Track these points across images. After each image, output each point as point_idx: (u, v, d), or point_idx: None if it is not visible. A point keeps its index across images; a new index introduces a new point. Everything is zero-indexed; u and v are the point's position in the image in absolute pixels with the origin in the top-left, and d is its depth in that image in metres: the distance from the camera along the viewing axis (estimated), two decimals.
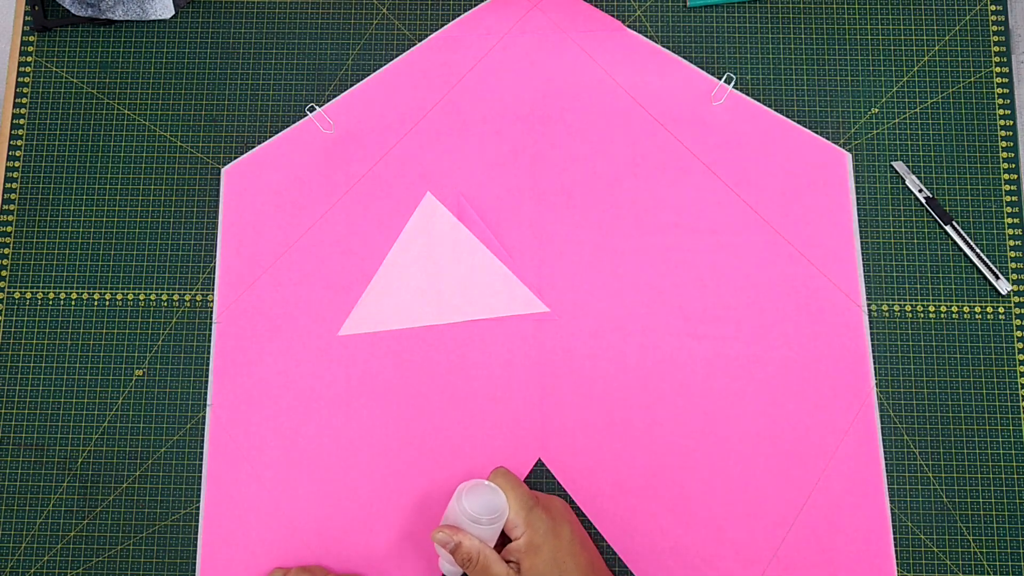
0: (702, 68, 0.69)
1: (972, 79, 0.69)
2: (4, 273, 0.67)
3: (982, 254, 0.66)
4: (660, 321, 0.65)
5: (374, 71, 0.70)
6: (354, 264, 0.67)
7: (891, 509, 0.63)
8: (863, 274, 0.66)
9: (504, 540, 0.58)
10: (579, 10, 0.70)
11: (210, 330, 0.66)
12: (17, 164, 0.69)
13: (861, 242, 0.67)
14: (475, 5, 0.71)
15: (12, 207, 0.68)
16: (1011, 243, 0.67)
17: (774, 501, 0.62)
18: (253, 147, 0.69)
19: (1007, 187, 0.68)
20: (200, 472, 0.64)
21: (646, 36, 0.70)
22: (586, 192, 0.67)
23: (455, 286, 0.66)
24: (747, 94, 0.69)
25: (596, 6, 0.71)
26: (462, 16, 0.71)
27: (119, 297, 0.67)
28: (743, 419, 0.64)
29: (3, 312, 0.67)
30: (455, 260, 0.66)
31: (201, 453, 0.64)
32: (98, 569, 0.63)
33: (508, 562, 0.56)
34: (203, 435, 0.65)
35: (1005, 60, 0.69)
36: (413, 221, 0.67)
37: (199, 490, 0.64)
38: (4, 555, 0.63)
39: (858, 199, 0.68)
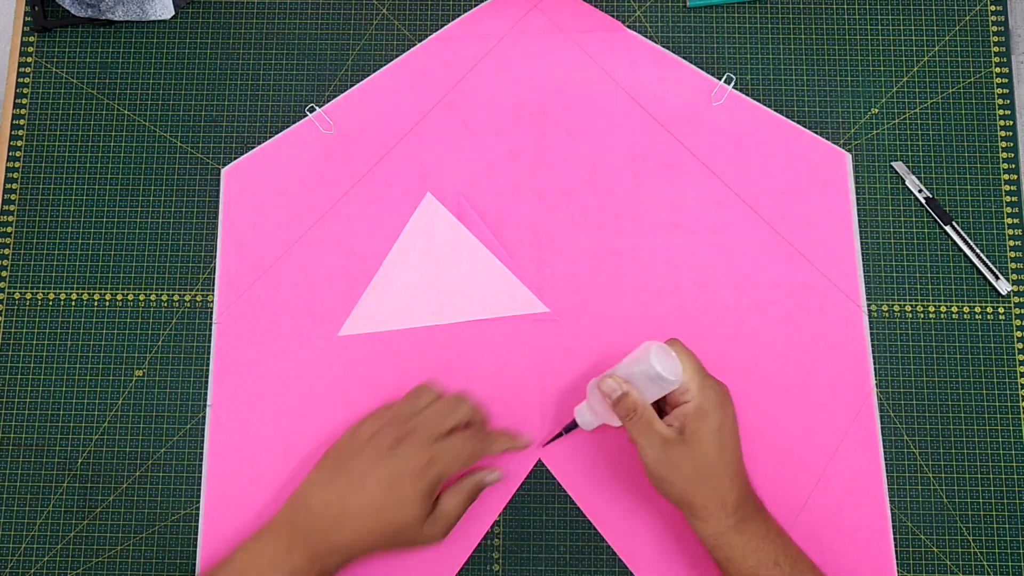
0: (702, 68, 0.69)
1: (972, 79, 0.69)
2: (4, 273, 0.67)
3: (982, 254, 0.66)
4: (660, 321, 0.65)
5: (374, 71, 0.70)
6: (354, 264, 0.67)
7: (891, 509, 0.63)
8: (863, 274, 0.66)
9: (659, 410, 0.57)
10: (579, 10, 0.70)
11: (210, 330, 0.66)
12: (17, 164, 0.69)
13: (861, 242, 0.67)
14: (475, 5, 0.71)
15: (12, 207, 0.68)
16: (1011, 243, 0.67)
17: (774, 501, 0.62)
18: (253, 147, 0.69)
19: (1007, 187, 0.68)
20: (200, 472, 0.64)
21: (646, 36, 0.70)
22: (586, 192, 0.67)
23: (455, 286, 0.66)
24: (747, 94, 0.69)
25: (596, 6, 0.71)
26: (462, 16, 0.71)
27: (119, 297, 0.67)
28: (743, 419, 0.64)
29: (3, 312, 0.67)
30: (455, 260, 0.66)
31: (201, 453, 0.64)
32: (98, 569, 0.63)
33: (668, 426, 0.56)
34: (203, 435, 0.65)
35: (1005, 60, 0.69)
36: (413, 221, 0.67)
37: (199, 490, 0.64)
38: (4, 555, 0.63)
39: (858, 199, 0.68)
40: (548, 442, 0.62)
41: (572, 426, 0.61)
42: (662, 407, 0.58)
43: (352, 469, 0.57)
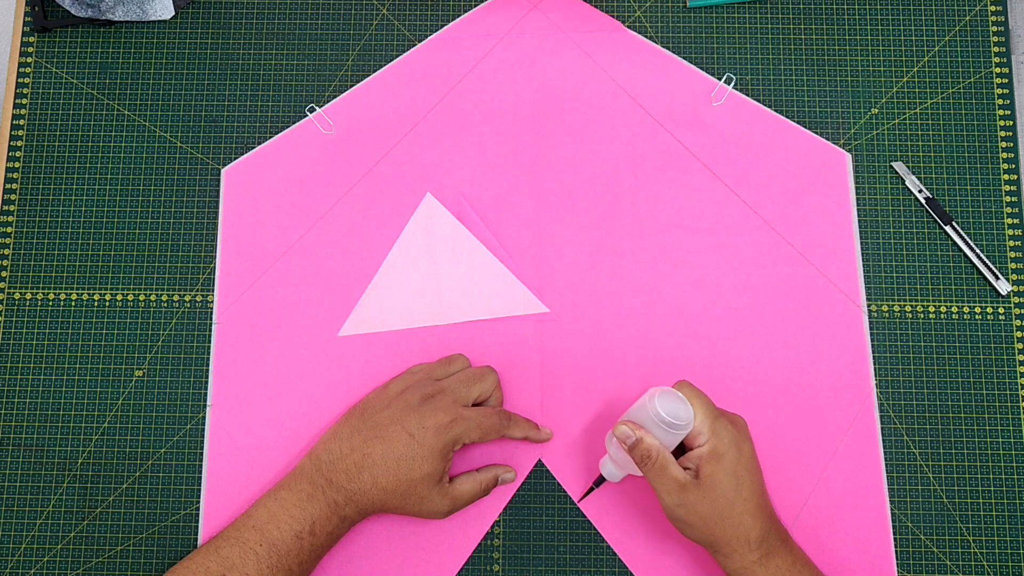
0: (702, 68, 0.69)
1: (972, 79, 0.69)
2: (4, 273, 0.67)
3: (982, 254, 0.66)
4: (660, 321, 0.65)
5: (374, 71, 0.70)
6: (354, 264, 0.67)
7: (891, 509, 0.63)
8: (863, 274, 0.66)
9: (678, 451, 0.57)
10: (579, 11, 0.70)
11: (210, 330, 0.66)
12: (17, 164, 0.69)
13: (861, 242, 0.67)
14: (475, 6, 0.71)
15: (12, 207, 0.68)
16: (1011, 243, 0.67)
17: (774, 501, 0.62)
18: (253, 147, 0.69)
19: (1007, 187, 0.68)
20: (200, 472, 0.64)
21: (646, 36, 0.70)
22: (586, 192, 0.67)
23: (455, 286, 0.66)
24: (747, 94, 0.69)
25: (596, 6, 0.71)
26: (462, 17, 0.71)
27: (119, 297, 0.67)
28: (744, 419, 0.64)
29: (3, 312, 0.67)
30: (455, 260, 0.66)
31: (201, 453, 0.64)
32: (98, 569, 0.63)
33: (685, 469, 0.56)
34: (203, 435, 0.65)
35: (1005, 60, 0.69)
36: (413, 221, 0.67)
37: (199, 490, 0.64)
38: (4, 555, 0.63)
39: (858, 199, 0.68)
40: (582, 498, 0.62)
41: (600, 480, 0.61)
42: (678, 447, 0.58)
43: (379, 420, 0.58)
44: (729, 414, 0.58)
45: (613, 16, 0.70)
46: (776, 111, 0.69)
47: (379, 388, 0.62)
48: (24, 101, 0.70)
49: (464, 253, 0.66)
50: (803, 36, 0.70)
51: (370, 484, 0.57)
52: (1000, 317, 0.66)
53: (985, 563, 0.62)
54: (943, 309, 0.66)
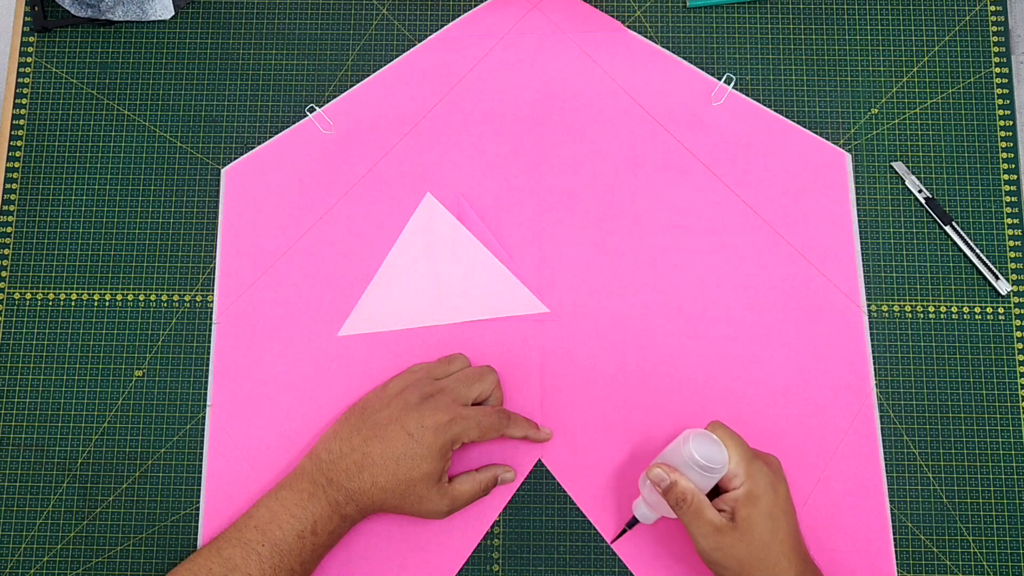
0: (702, 68, 0.69)
1: (972, 79, 0.69)
2: (4, 273, 0.67)
3: (982, 254, 0.66)
4: (660, 321, 0.65)
5: (374, 71, 0.70)
6: (354, 264, 0.67)
7: (891, 509, 0.63)
8: (863, 274, 0.66)
9: (712, 493, 0.57)
10: (579, 11, 0.70)
11: (210, 330, 0.66)
12: (17, 164, 0.69)
13: (861, 242, 0.67)
14: (475, 6, 0.71)
15: (12, 207, 0.68)
16: (1011, 243, 0.67)
17: None
18: (253, 147, 0.69)
19: (1007, 187, 0.68)
20: (200, 472, 0.64)
21: (646, 36, 0.70)
22: (586, 192, 0.67)
23: (455, 286, 0.66)
24: (747, 94, 0.69)
25: (596, 6, 0.71)
26: (462, 17, 0.71)
27: (119, 297, 0.67)
28: (743, 419, 0.64)
29: (3, 312, 0.67)
30: (455, 260, 0.66)
31: (201, 453, 0.64)
32: (98, 569, 0.63)
33: (720, 511, 0.56)
34: (203, 435, 0.65)
35: (1005, 60, 0.69)
36: (413, 221, 0.67)
37: (199, 490, 0.64)
38: (4, 555, 0.63)
39: (858, 199, 0.68)
40: (615, 539, 0.62)
41: (633, 522, 0.60)
42: (712, 489, 0.57)
43: (378, 419, 0.59)
44: (763, 455, 0.58)
45: (613, 16, 0.70)
46: (776, 111, 0.69)
47: (379, 387, 0.62)
48: (24, 101, 0.70)
49: (464, 253, 0.66)
50: (803, 36, 0.70)
51: (369, 483, 0.57)
52: (1000, 317, 0.66)
53: (985, 563, 0.62)
54: (943, 309, 0.66)
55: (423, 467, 0.57)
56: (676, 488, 0.55)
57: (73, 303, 0.67)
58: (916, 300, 0.66)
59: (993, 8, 0.70)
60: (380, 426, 0.58)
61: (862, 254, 0.67)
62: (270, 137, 0.69)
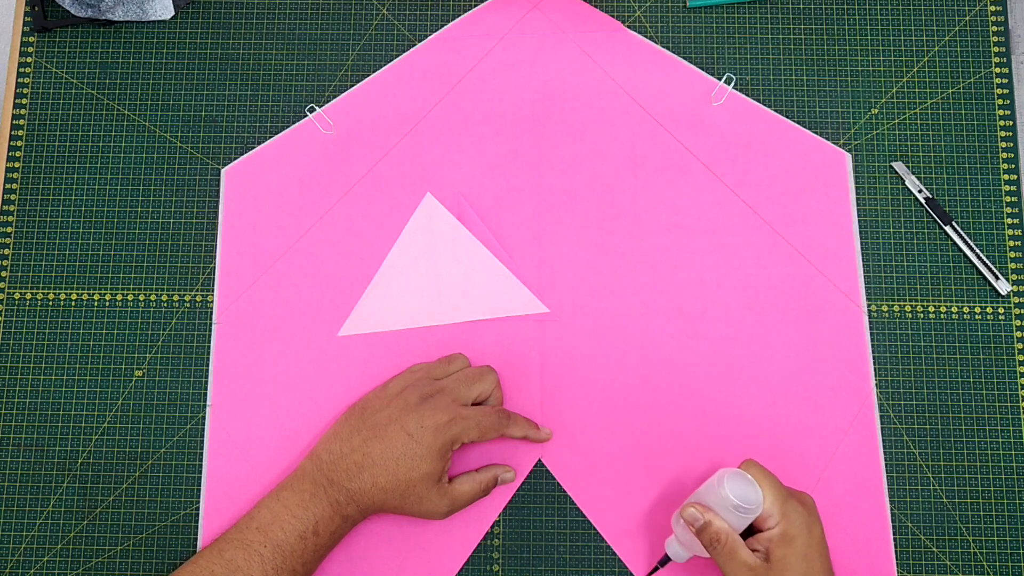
0: (702, 68, 0.69)
1: (972, 79, 0.69)
2: (4, 273, 0.67)
3: (982, 254, 0.66)
4: (660, 321, 0.65)
5: (374, 71, 0.70)
6: (354, 264, 0.67)
7: (891, 509, 0.63)
8: (863, 274, 0.66)
9: (746, 533, 0.57)
10: (579, 11, 0.70)
11: (210, 330, 0.66)
12: (17, 164, 0.69)
13: (861, 242, 0.67)
14: (475, 6, 0.71)
15: (12, 207, 0.68)
16: (1011, 243, 0.67)
17: None
18: (253, 147, 0.69)
19: (1007, 187, 0.68)
20: (200, 472, 0.64)
21: (646, 36, 0.70)
22: (586, 192, 0.67)
23: (455, 286, 0.66)
24: (747, 94, 0.69)
25: (596, 6, 0.71)
26: (462, 17, 0.71)
27: (119, 297, 0.67)
28: (743, 419, 0.64)
29: (3, 312, 0.67)
30: (455, 260, 0.66)
31: (201, 453, 0.64)
32: (98, 569, 0.63)
33: (754, 551, 0.55)
34: (203, 435, 0.65)
35: (1005, 60, 0.69)
36: (413, 221, 0.67)
37: (199, 490, 0.64)
38: (4, 555, 0.63)
39: (858, 199, 0.68)
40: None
41: (665, 560, 0.60)
42: (747, 529, 0.57)
43: (378, 420, 0.59)
44: (798, 493, 0.57)
45: (613, 16, 0.70)
46: (776, 111, 0.69)
47: (378, 387, 0.62)
48: (24, 101, 0.70)
49: (464, 253, 0.66)
50: (803, 36, 0.70)
51: (370, 484, 0.57)
52: (1000, 317, 0.66)
53: (985, 563, 0.62)
54: (943, 309, 0.66)
55: (423, 467, 0.57)
56: (710, 528, 0.55)
57: (73, 303, 0.67)
58: (916, 300, 0.66)
59: (993, 8, 0.70)
60: (380, 426, 0.58)
61: (862, 254, 0.67)
62: (270, 137, 0.69)
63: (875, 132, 0.69)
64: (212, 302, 0.66)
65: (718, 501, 0.55)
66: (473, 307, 0.65)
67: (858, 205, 0.67)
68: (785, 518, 0.55)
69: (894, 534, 0.63)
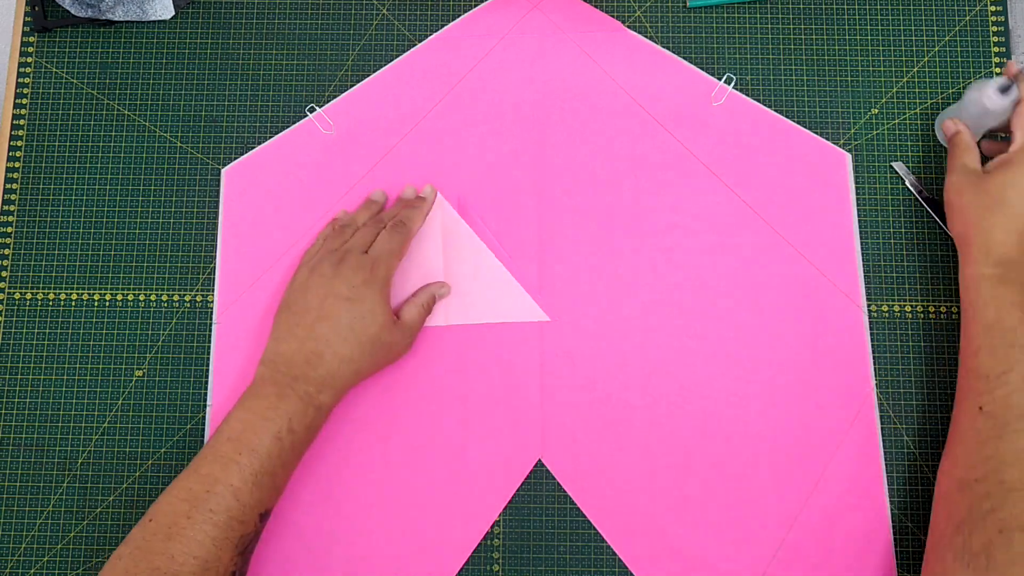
0: (702, 68, 0.69)
1: (972, 79, 0.69)
2: (4, 273, 0.67)
3: None
4: (660, 322, 0.65)
5: (374, 71, 0.70)
6: None
7: (891, 509, 0.63)
8: (863, 274, 0.66)
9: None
10: (579, 11, 0.70)
11: (210, 330, 0.66)
12: (17, 164, 0.69)
13: (861, 242, 0.67)
14: (475, 6, 0.71)
15: (12, 207, 0.68)
16: None
17: (774, 501, 0.62)
18: (253, 147, 0.69)
19: None
20: None
21: (646, 36, 0.70)
22: (586, 192, 0.67)
23: (458, 288, 0.66)
24: (747, 94, 0.69)
25: (596, 6, 0.71)
26: (462, 17, 0.71)
27: (119, 297, 0.67)
28: (743, 419, 0.64)
29: (3, 312, 0.67)
30: (459, 261, 0.66)
31: None
32: (98, 569, 0.63)
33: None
34: (203, 435, 0.65)
35: (1005, 60, 0.69)
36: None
37: None
38: (4, 555, 0.63)
39: (858, 199, 0.68)
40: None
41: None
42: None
43: (308, 304, 0.60)
44: None
45: (613, 16, 0.70)
46: (776, 111, 0.69)
47: (288, 285, 0.63)
48: (24, 101, 0.70)
49: (469, 255, 0.66)
50: (803, 36, 0.70)
51: (336, 362, 0.58)
52: None
53: None
54: (943, 309, 0.66)
55: (378, 319, 0.59)
56: (959, 136, 0.63)
57: (73, 303, 0.67)
58: (916, 300, 0.66)
59: (993, 8, 0.70)
60: (315, 308, 0.59)
61: (862, 254, 0.67)
62: (270, 137, 0.69)
63: (875, 132, 0.69)
64: (212, 302, 0.66)
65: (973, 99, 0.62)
66: (474, 310, 0.65)
67: (858, 205, 0.67)
68: (1021, 149, 0.59)
69: (894, 534, 0.63)
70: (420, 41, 0.70)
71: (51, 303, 0.67)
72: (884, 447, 0.64)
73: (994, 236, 0.58)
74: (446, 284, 0.65)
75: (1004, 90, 0.61)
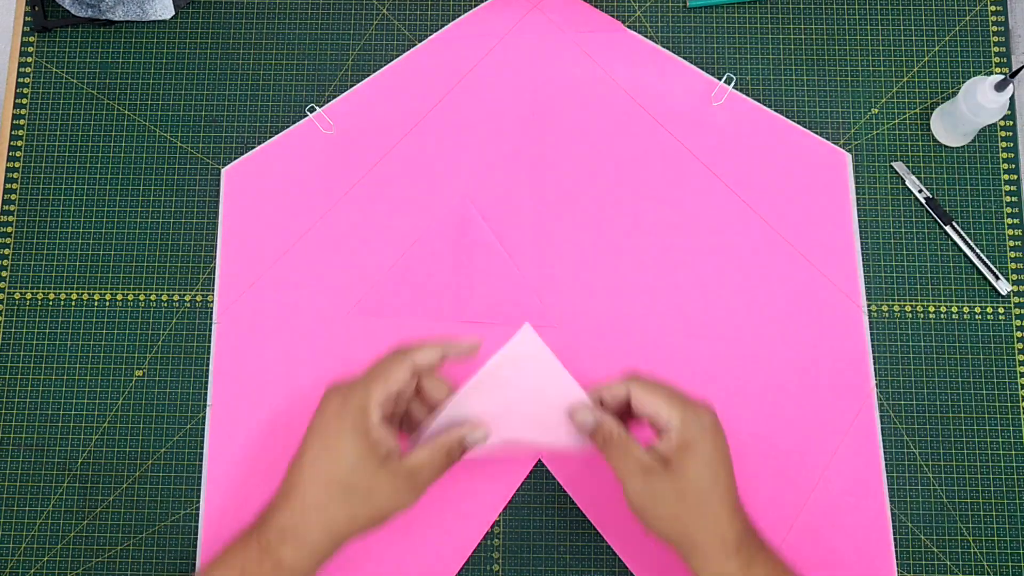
0: (702, 68, 0.69)
1: (972, 79, 0.69)
2: (4, 273, 0.67)
3: (982, 254, 0.66)
4: (660, 322, 0.65)
5: (374, 71, 0.70)
6: (354, 264, 0.67)
7: (891, 509, 0.63)
8: (863, 274, 0.66)
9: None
10: (579, 11, 0.70)
11: (210, 330, 0.66)
12: (17, 164, 0.69)
13: (861, 242, 0.67)
14: (475, 6, 0.71)
15: (12, 207, 0.68)
16: (1011, 243, 0.67)
17: (774, 501, 0.62)
18: (253, 147, 0.69)
19: (1007, 187, 0.68)
20: (200, 472, 0.64)
21: (646, 36, 0.70)
22: (586, 192, 0.67)
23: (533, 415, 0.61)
24: (747, 94, 0.69)
25: (596, 6, 0.71)
26: (462, 17, 0.71)
27: (119, 297, 0.67)
28: (743, 419, 0.64)
29: (3, 312, 0.67)
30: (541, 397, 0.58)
31: (201, 453, 0.64)
32: (98, 569, 0.63)
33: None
34: (203, 435, 0.65)
35: (1005, 60, 0.69)
36: (507, 350, 0.56)
37: (199, 490, 0.64)
38: (4, 555, 0.63)
39: (858, 199, 0.68)
40: None
41: None
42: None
43: (291, 476, 0.52)
44: (698, 402, 0.53)
45: (613, 16, 0.70)
46: (776, 111, 0.69)
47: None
48: (24, 101, 0.70)
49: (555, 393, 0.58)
50: (803, 36, 0.70)
51: (299, 509, 0.49)
52: (1000, 317, 0.66)
53: (985, 563, 0.62)
54: (943, 309, 0.66)
55: (346, 458, 0.48)
56: (602, 428, 0.52)
57: (73, 303, 0.67)
58: (916, 300, 0.66)
59: (993, 8, 0.70)
60: (295, 474, 0.51)
61: (862, 254, 0.67)
62: (270, 137, 0.69)
63: (875, 132, 0.69)
64: (212, 302, 0.66)
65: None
66: (541, 433, 0.57)
67: (858, 205, 0.67)
68: (684, 425, 0.50)
69: (894, 534, 0.63)
70: (420, 41, 0.70)
71: (51, 303, 0.67)
72: (884, 447, 0.64)
73: (721, 520, 0.50)
74: (482, 427, 0.53)
75: (1000, 87, 0.61)
